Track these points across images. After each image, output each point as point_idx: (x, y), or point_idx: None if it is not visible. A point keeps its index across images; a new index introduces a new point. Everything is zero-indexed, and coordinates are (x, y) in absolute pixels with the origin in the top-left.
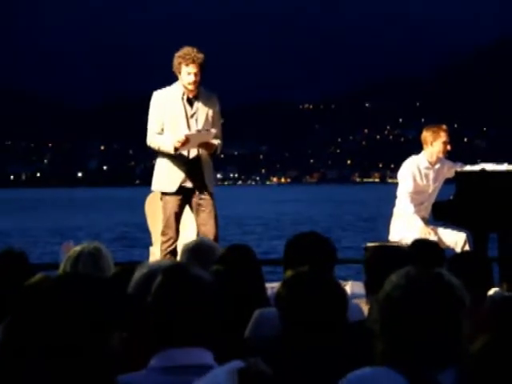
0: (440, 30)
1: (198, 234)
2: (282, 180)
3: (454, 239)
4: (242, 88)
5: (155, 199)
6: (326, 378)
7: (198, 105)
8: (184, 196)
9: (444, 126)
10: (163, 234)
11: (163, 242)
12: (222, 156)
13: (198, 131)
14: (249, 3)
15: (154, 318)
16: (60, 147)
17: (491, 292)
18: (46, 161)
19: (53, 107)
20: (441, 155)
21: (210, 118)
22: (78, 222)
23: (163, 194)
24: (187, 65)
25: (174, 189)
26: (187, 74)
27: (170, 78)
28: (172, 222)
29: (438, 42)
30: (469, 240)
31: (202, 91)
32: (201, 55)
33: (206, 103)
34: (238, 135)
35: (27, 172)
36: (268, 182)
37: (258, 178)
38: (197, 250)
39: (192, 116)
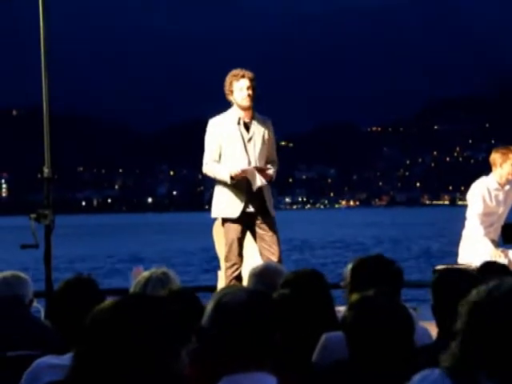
0: (505, 43)
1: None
2: (351, 203)
3: None
4: (309, 112)
5: (220, 224)
6: None
7: (253, 128)
8: (245, 221)
9: (509, 148)
10: (227, 259)
11: (227, 268)
12: (291, 180)
13: (256, 168)
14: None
15: (217, 343)
16: (130, 173)
17: None
18: (116, 187)
19: (118, 132)
20: (510, 177)
21: (266, 142)
22: (148, 247)
23: (224, 220)
24: (238, 80)
25: (236, 214)
26: (239, 90)
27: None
28: (235, 248)
29: (505, 61)
30: None
31: (256, 115)
32: (251, 72)
33: (262, 127)
34: (306, 159)
35: (98, 198)
36: (336, 206)
37: (326, 202)
38: (263, 274)
39: (249, 140)
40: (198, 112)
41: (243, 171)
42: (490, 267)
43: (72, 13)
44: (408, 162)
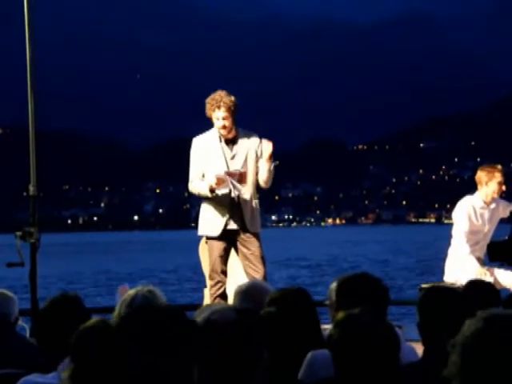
0: (490, 62)
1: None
2: (337, 221)
3: (511, 280)
4: (295, 130)
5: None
6: None
7: (237, 147)
8: (228, 239)
9: (499, 166)
10: (210, 278)
11: (211, 286)
12: (277, 198)
13: (227, 173)
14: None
15: (206, 361)
16: (116, 191)
17: None
18: (102, 204)
19: (105, 149)
20: (496, 195)
21: (249, 158)
22: (134, 264)
23: (208, 237)
24: (214, 110)
25: (217, 233)
26: (216, 120)
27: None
28: (218, 266)
29: (488, 79)
30: None
31: (240, 132)
32: (229, 98)
33: (245, 143)
34: (292, 177)
35: (84, 216)
36: (323, 224)
37: (312, 220)
38: (249, 292)
39: (232, 158)
40: (185, 130)
41: (217, 178)
42: (476, 285)
43: (57, 23)
44: (394, 180)
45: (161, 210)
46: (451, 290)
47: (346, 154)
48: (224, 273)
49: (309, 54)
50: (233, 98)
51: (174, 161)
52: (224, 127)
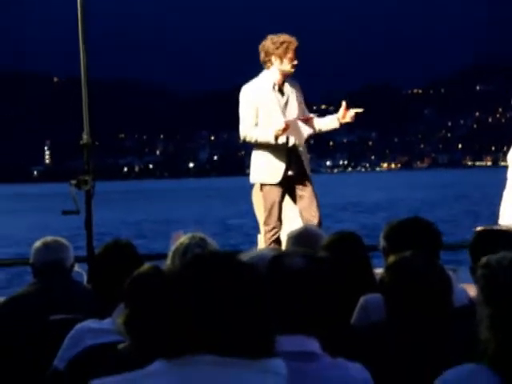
0: None
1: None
2: (392, 166)
3: None
4: (348, 74)
5: (259, 188)
6: (432, 363)
7: (287, 92)
8: (285, 185)
9: None
10: (266, 223)
11: (267, 232)
12: (331, 143)
13: (299, 119)
14: None
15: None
16: (171, 139)
17: None
18: (158, 152)
19: (159, 97)
20: None
21: (298, 103)
22: (190, 212)
23: (263, 184)
24: (294, 50)
25: (277, 180)
26: (290, 60)
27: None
28: (274, 212)
29: None
30: None
31: (287, 79)
32: (295, 39)
33: (294, 89)
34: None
35: (140, 164)
36: (378, 169)
37: (367, 165)
38: (302, 237)
39: (285, 105)
40: (238, 77)
41: (287, 124)
42: None
43: None
44: (449, 123)
45: (215, 157)
46: (503, 233)
47: (400, 98)
48: (279, 219)
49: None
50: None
51: (228, 108)
52: (295, 67)
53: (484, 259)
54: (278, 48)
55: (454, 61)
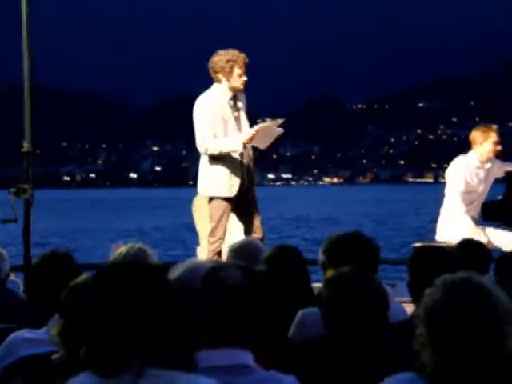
0: (493, 28)
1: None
2: (335, 180)
3: (504, 240)
4: (294, 89)
5: (203, 200)
6: (368, 377)
7: (239, 107)
8: (234, 198)
9: (494, 126)
10: (213, 234)
11: (212, 243)
12: (275, 156)
13: (266, 126)
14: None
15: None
16: (114, 148)
17: None
18: (100, 162)
19: (102, 106)
20: (491, 155)
21: (247, 116)
22: (130, 222)
23: (215, 197)
24: (241, 67)
25: (233, 194)
26: (239, 76)
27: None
28: (223, 224)
29: (491, 40)
30: None
31: (237, 93)
32: (245, 56)
33: (243, 102)
34: (290, 135)
35: (82, 173)
36: (320, 183)
37: (310, 179)
38: (243, 250)
39: (238, 119)
40: (182, 88)
41: (257, 131)
42: (467, 244)
43: None
44: (392, 139)
45: (158, 168)
46: (441, 249)
47: (344, 113)
48: (225, 231)
49: (308, 9)
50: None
51: (172, 119)
52: (245, 83)
53: (440, 279)
54: (226, 64)
55: (398, 77)
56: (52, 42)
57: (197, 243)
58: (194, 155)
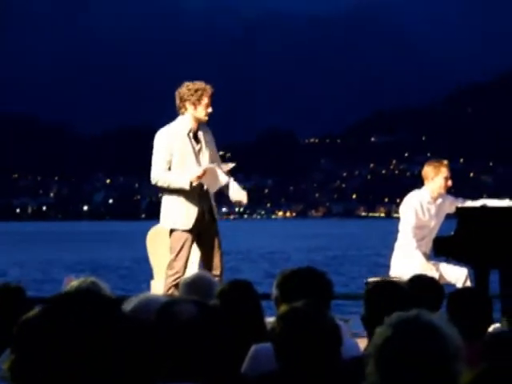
0: (443, 61)
1: (202, 267)
2: (288, 214)
3: (456, 275)
4: (247, 123)
5: (157, 233)
6: None
7: (202, 139)
8: (194, 231)
9: (445, 161)
10: (171, 267)
11: (169, 276)
12: None
13: (218, 167)
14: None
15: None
16: (66, 180)
17: (491, 329)
18: (52, 194)
19: (54, 137)
20: (442, 191)
21: (212, 151)
22: (82, 255)
23: (173, 230)
24: (209, 97)
25: (189, 226)
26: (206, 106)
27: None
28: (182, 257)
29: (441, 73)
30: (470, 275)
31: (201, 126)
32: (211, 87)
33: (208, 137)
34: (243, 169)
35: (33, 205)
36: (273, 216)
37: (263, 212)
38: (196, 284)
39: (199, 151)
40: (136, 119)
41: (205, 170)
42: (419, 280)
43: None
44: (345, 173)
45: (111, 201)
46: (395, 285)
47: (297, 147)
48: (185, 264)
49: (259, 46)
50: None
51: (125, 151)
52: (209, 115)
53: (390, 317)
54: (192, 95)
55: (350, 112)
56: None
57: (151, 277)
58: (147, 188)
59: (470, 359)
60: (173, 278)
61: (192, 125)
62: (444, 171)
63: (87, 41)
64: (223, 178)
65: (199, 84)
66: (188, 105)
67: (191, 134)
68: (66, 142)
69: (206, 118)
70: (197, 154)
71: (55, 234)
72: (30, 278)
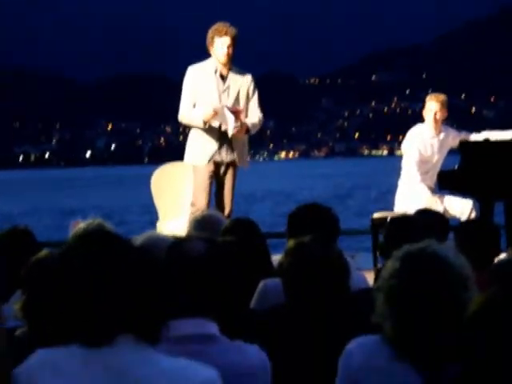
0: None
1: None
2: (290, 155)
3: (461, 207)
4: (247, 65)
5: (162, 174)
6: (330, 345)
7: (229, 81)
8: (213, 169)
9: (438, 95)
10: (192, 204)
11: (191, 213)
12: None
13: (226, 107)
14: None
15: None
16: (67, 127)
17: (498, 258)
18: (54, 141)
19: (54, 84)
20: (432, 124)
21: (241, 95)
22: (87, 201)
23: (195, 166)
24: (221, 36)
25: (204, 162)
26: (220, 46)
27: (182, 59)
28: (201, 193)
29: (442, 8)
30: (475, 208)
31: (234, 69)
32: (234, 29)
33: (238, 80)
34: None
35: (36, 153)
36: (276, 158)
37: (265, 154)
38: (203, 221)
39: (224, 91)
40: (137, 65)
41: (214, 111)
42: (424, 213)
43: None
44: (346, 113)
45: (113, 146)
46: (410, 218)
47: (297, 88)
48: (208, 201)
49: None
50: (236, 30)
51: (126, 96)
52: (228, 54)
53: (398, 251)
54: (210, 34)
55: (350, 51)
56: None
57: (156, 218)
58: (148, 133)
59: (479, 288)
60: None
61: (217, 65)
62: (429, 104)
63: None
64: (230, 122)
65: (216, 25)
66: (209, 46)
67: (217, 74)
68: (65, 91)
69: (223, 58)
70: (220, 93)
71: (58, 181)
72: (37, 225)
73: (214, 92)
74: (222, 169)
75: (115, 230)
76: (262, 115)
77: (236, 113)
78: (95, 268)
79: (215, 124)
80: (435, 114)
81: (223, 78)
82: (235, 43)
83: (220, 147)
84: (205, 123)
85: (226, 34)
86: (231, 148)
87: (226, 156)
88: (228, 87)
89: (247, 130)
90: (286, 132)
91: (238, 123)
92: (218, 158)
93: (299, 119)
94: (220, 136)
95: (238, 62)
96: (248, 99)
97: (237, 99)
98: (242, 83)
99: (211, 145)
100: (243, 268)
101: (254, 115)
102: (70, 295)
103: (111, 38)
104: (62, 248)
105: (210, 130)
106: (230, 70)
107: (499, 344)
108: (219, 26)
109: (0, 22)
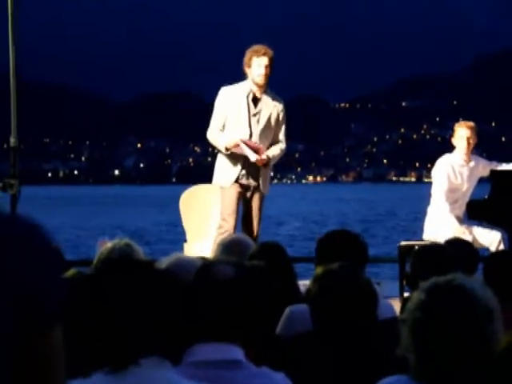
0: (476, 24)
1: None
2: (318, 179)
3: (489, 238)
4: (279, 87)
5: (190, 196)
6: (356, 374)
7: (262, 105)
8: (240, 191)
9: (467, 123)
10: (220, 226)
11: (219, 234)
12: None
13: (243, 141)
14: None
15: (185, 313)
16: (97, 145)
17: None
18: (83, 158)
19: (86, 102)
20: (464, 151)
21: (272, 120)
22: (115, 219)
23: (222, 187)
24: (258, 56)
25: (229, 184)
26: (258, 66)
27: (214, 79)
28: (229, 215)
29: (474, 36)
30: (504, 239)
31: (268, 92)
32: (272, 50)
33: (271, 105)
34: None
35: (65, 169)
36: (304, 181)
37: (293, 177)
38: (231, 245)
39: (255, 115)
40: (168, 84)
41: (235, 145)
42: (455, 243)
43: None
44: (375, 138)
45: (142, 165)
46: (441, 248)
47: (328, 112)
48: (234, 224)
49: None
50: (273, 53)
51: (156, 115)
52: (265, 75)
53: (424, 283)
54: (249, 56)
55: (381, 76)
56: (31, 38)
57: (184, 240)
58: (178, 152)
59: (507, 322)
60: (221, 236)
61: (252, 87)
62: (460, 131)
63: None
64: (251, 155)
65: (257, 46)
66: (245, 67)
67: (250, 97)
68: (96, 108)
69: (259, 78)
70: (251, 117)
71: (87, 198)
72: (64, 242)
73: (244, 116)
74: (249, 192)
75: (141, 251)
76: (285, 146)
77: (256, 150)
78: (121, 295)
79: (237, 151)
80: (468, 139)
81: (256, 100)
82: (272, 65)
83: (245, 170)
84: (227, 149)
85: (264, 54)
86: (257, 173)
87: (252, 180)
88: (260, 111)
89: (267, 163)
90: (315, 156)
91: (258, 158)
92: (244, 181)
93: (328, 144)
94: (246, 159)
95: (271, 83)
96: (277, 126)
97: (267, 124)
98: (274, 108)
99: (238, 167)
100: (270, 293)
101: (276, 146)
102: (96, 321)
103: (142, 56)
104: (89, 272)
105: (234, 154)
106: (264, 92)
107: None
108: (257, 46)
109: (39, 40)
